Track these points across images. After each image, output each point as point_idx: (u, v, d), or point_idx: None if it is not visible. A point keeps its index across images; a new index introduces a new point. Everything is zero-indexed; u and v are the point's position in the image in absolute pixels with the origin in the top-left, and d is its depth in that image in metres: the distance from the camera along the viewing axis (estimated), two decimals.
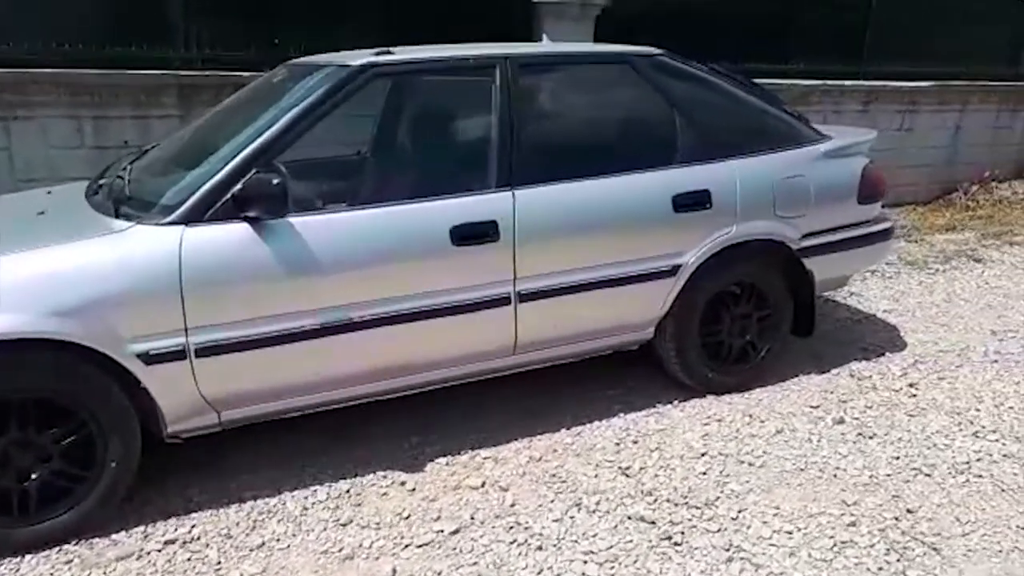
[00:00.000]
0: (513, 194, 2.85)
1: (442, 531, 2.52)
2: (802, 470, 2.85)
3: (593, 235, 2.98)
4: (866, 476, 2.80)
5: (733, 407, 3.31)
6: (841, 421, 3.18)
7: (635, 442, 3.04)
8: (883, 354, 3.85)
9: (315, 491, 2.75)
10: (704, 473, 2.82)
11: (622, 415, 3.25)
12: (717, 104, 3.35)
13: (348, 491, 2.75)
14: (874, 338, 4.08)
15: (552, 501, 2.67)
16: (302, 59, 3.08)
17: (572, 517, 2.58)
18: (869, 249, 3.63)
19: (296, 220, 2.56)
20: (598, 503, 2.65)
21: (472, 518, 2.58)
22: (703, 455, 2.94)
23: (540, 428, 3.15)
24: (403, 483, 2.79)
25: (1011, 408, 3.30)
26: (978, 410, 3.28)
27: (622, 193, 3.03)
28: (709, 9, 6.22)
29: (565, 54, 3.18)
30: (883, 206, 7.07)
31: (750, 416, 3.23)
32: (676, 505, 2.64)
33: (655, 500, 2.66)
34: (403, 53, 2.93)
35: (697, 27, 6.14)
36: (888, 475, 2.81)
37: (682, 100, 3.23)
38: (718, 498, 2.67)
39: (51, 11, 4.29)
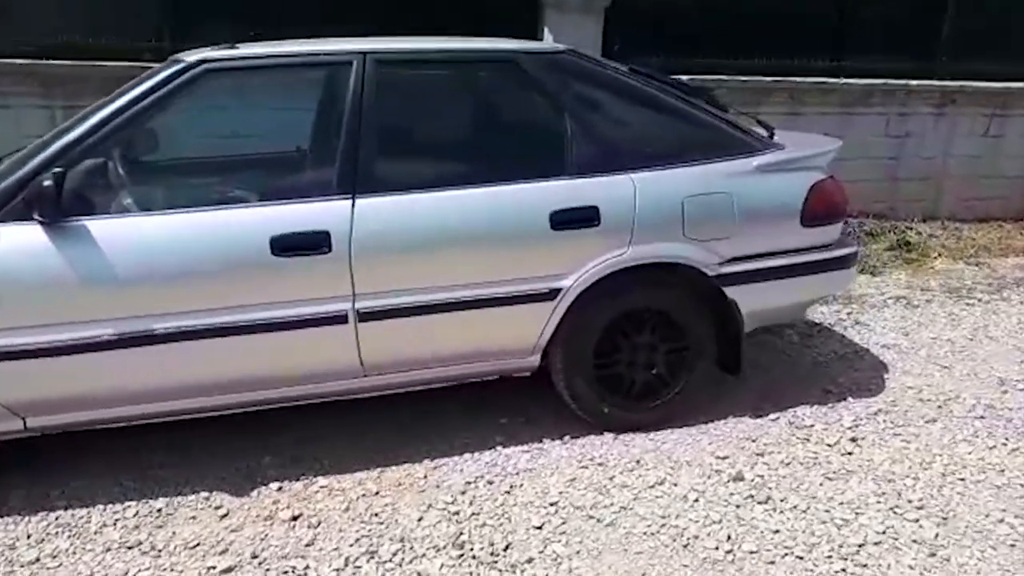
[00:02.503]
0: (353, 202, 2.60)
1: (214, 568, 2.33)
2: (653, 535, 2.46)
3: (451, 251, 2.69)
4: (723, 551, 2.38)
5: (626, 449, 2.93)
6: (739, 478, 2.74)
7: (490, 483, 2.74)
8: (845, 399, 3.33)
9: (128, 507, 2.62)
10: (539, 527, 2.49)
11: (499, 448, 2.95)
12: (623, 110, 2.96)
13: (159, 511, 2.61)
14: (848, 378, 3.54)
15: (351, 545, 2.42)
16: (183, 53, 2.94)
17: (358, 567, 2.33)
18: (817, 279, 3.12)
19: (95, 223, 2.43)
20: (395, 553, 2.38)
21: (254, 556, 2.38)
22: (552, 505, 2.60)
23: (403, 456, 2.90)
24: (219, 507, 2.62)
25: (961, 480, 2.74)
26: (917, 479, 2.75)
27: (487, 206, 2.72)
28: (747, 2, 5.65)
29: (438, 51, 2.89)
30: (964, 221, 6.36)
31: (637, 462, 2.85)
32: (481, 563, 2.33)
33: (461, 555, 2.36)
34: (248, 48, 2.74)
35: (732, 22, 5.63)
36: (752, 552, 2.37)
37: (577, 105, 2.86)
38: (532, 560, 2.34)
39: (24, 3, 4.40)
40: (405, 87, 2.81)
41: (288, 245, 2.53)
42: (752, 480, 2.73)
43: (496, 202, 2.73)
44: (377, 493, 2.69)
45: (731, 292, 2.97)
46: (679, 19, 5.46)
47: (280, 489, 2.71)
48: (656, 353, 3.02)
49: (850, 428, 3.08)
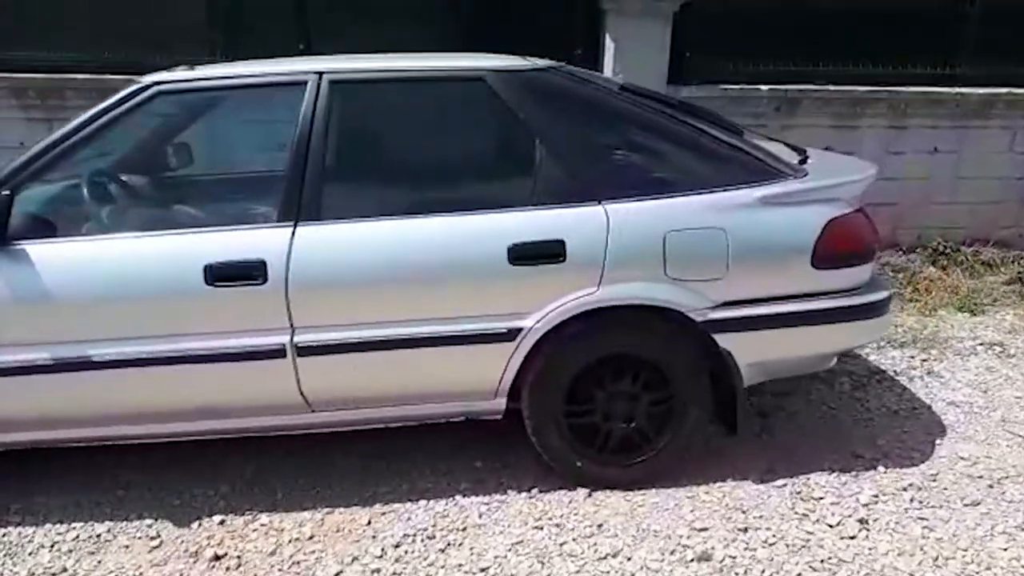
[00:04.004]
0: (294, 231, 2.48)
1: None
2: None
3: (398, 285, 2.50)
4: None
5: (594, 511, 2.65)
6: (706, 558, 2.40)
7: (431, 537, 2.54)
8: (875, 467, 2.87)
9: (72, 529, 2.62)
10: None
11: (458, 497, 2.74)
12: (604, 134, 2.69)
13: (99, 536, 2.59)
14: (890, 441, 3.06)
15: None
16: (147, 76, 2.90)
17: None
18: (835, 328, 2.70)
19: (35, 248, 2.43)
20: None
21: None
22: (483, 571, 2.38)
23: (357, 497, 2.76)
24: (155, 537, 2.58)
25: None
26: None
27: (437, 238, 2.52)
28: (846, 3, 5.09)
29: (399, 69, 2.69)
30: None
31: (599, 527, 2.56)
32: None
33: None
34: (205, 69, 2.67)
35: (823, 23, 5.08)
36: None
37: (550, 128, 2.60)
38: None
39: (85, 22, 4.59)
40: (361, 109, 2.66)
41: (222, 274, 2.43)
42: (720, 561, 2.38)
43: (448, 233, 2.52)
44: (312, 537, 2.55)
45: (724, 341, 2.62)
46: (760, 21, 4.98)
47: (222, 523, 2.63)
48: (637, 405, 2.70)
49: (866, 505, 2.64)
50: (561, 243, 2.51)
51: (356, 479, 2.85)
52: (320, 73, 2.59)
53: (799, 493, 2.72)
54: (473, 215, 2.54)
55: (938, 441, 3.07)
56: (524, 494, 2.74)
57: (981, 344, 4.00)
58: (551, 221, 2.53)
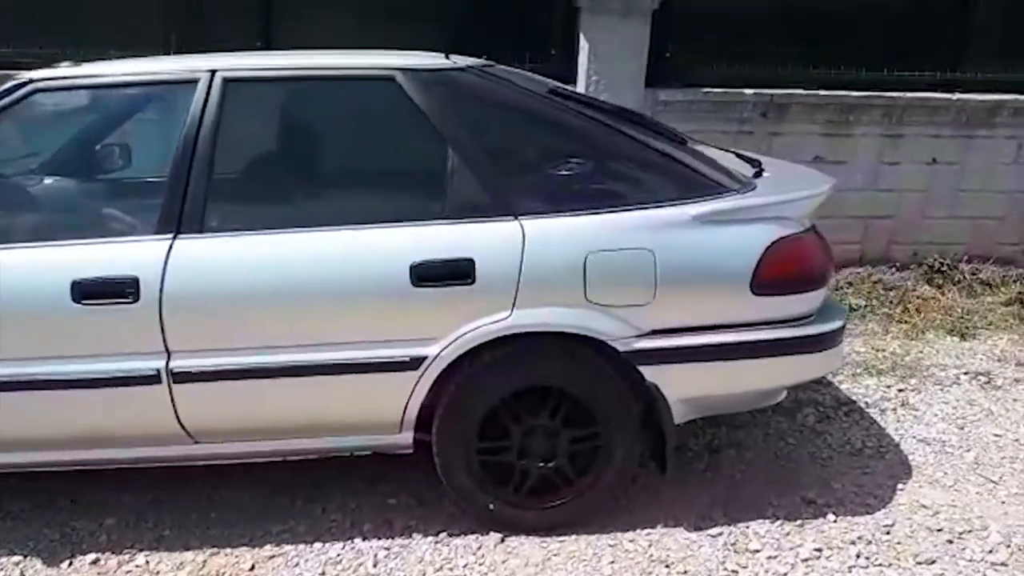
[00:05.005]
0: (172, 244, 2.24)
1: None
2: None
3: (287, 306, 2.26)
4: None
5: (502, 560, 2.40)
6: None
7: None
8: (824, 515, 2.59)
9: None
10: None
11: (357, 540, 2.50)
12: (525, 142, 2.45)
13: None
14: (847, 485, 2.77)
15: None
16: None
17: None
18: (778, 362, 2.42)
19: None
20: None
21: None
22: None
23: (249, 535, 2.53)
24: None
25: None
26: None
27: (335, 254, 2.27)
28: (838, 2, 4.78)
29: (301, 67, 2.44)
30: None
31: None
32: None
33: None
34: (90, 66, 2.45)
35: (813, 24, 4.78)
36: None
37: (465, 134, 2.34)
38: None
39: (40, 15, 4.39)
40: (257, 110, 2.43)
41: (90, 291, 2.20)
42: None
43: (346, 249, 2.28)
44: None
45: (651, 373, 2.35)
46: (746, 21, 4.69)
47: (95, 562, 2.41)
48: (557, 442, 2.45)
49: (805, 561, 2.36)
50: (470, 262, 2.26)
51: (255, 515, 2.62)
52: (213, 71, 2.35)
53: (734, 544, 2.45)
54: (374, 229, 2.29)
55: (900, 485, 2.77)
56: (431, 538, 2.49)
57: (966, 373, 3.69)
58: (460, 238, 2.28)
